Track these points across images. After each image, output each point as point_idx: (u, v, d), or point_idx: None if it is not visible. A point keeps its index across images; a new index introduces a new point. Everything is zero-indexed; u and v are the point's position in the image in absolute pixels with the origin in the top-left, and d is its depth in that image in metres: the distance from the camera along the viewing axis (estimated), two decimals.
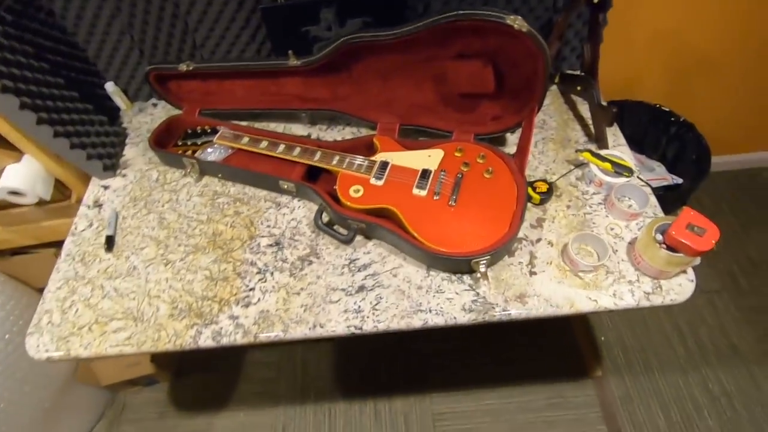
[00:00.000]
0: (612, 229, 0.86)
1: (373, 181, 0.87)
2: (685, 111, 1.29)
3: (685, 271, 0.79)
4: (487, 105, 0.90)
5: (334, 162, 0.90)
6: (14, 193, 0.98)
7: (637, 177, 0.88)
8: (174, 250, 0.91)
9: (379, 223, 0.82)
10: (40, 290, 1.34)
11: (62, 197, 1.10)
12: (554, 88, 1.10)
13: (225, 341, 0.79)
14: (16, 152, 0.97)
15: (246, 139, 0.96)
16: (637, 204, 0.88)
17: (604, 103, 0.93)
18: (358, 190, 0.86)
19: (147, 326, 0.82)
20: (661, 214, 0.87)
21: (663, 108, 1.30)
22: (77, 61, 1.06)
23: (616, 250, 0.83)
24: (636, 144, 1.39)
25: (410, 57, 0.83)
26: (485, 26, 0.69)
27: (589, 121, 1.02)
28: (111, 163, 1.04)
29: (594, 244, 0.83)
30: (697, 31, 1.20)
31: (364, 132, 1.07)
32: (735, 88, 1.36)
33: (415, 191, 0.84)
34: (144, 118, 1.18)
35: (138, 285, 0.87)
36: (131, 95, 1.20)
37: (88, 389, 1.36)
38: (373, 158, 0.90)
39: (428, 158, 0.89)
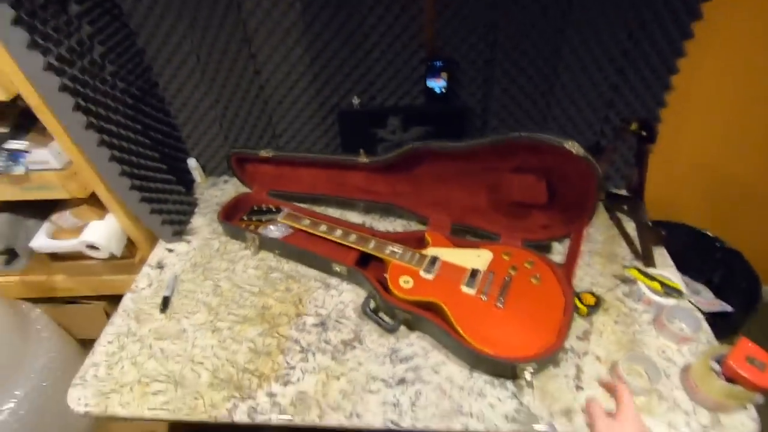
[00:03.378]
0: (663, 351, 0.83)
1: (423, 273, 0.90)
2: (730, 238, 1.30)
3: (745, 407, 0.74)
4: (537, 214, 0.95)
5: (387, 252, 0.95)
6: (91, 246, 1.07)
7: (688, 300, 0.88)
8: (223, 318, 0.95)
9: (426, 316, 0.84)
10: (81, 341, 1.39)
11: (129, 255, 1.18)
12: (599, 204, 1.16)
13: (260, 419, 0.78)
14: (102, 211, 1.09)
15: (307, 222, 1.04)
16: (688, 327, 0.86)
17: (652, 226, 0.97)
18: (408, 281, 0.89)
19: (186, 393, 0.82)
20: (714, 341, 0.84)
21: (707, 233, 1.32)
22: (172, 139, 1.21)
23: (669, 375, 0.80)
24: (681, 266, 1.38)
25: (470, 166, 0.92)
26: (544, 147, 0.77)
27: (635, 239, 1.04)
28: (180, 230, 1.14)
29: (645, 365, 0.80)
30: (737, 163, 1.26)
31: (414, 226, 1.13)
32: None
33: (464, 288, 0.87)
34: (215, 192, 1.30)
35: (184, 349, 0.90)
36: (208, 171, 1.33)
37: None
38: (424, 252, 0.95)
39: (477, 258, 0.93)
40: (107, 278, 1.20)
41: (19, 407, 1.03)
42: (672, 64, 0.98)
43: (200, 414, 0.80)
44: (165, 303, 0.98)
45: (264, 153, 1.10)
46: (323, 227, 1.02)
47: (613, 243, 1.06)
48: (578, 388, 0.79)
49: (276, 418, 0.78)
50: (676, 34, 0.93)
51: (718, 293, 1.30)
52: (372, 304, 0.92)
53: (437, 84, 1.06)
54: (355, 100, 1.10)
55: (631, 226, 1.08)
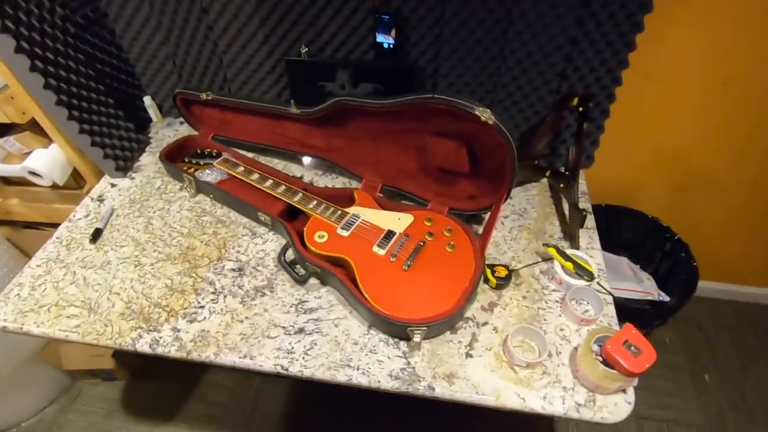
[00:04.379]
0: (561, 330, 0.84)
1: (339, 230, 0.91)
2: (682, 228, 1.27)
3: (624, 391, 0.75)
4: (464, 183, 0.93)
5: (311, 206, 0.95)
6: (34, 173, 1.09)
7: (598, 283, 0.87)
8: (149, 254, 0.98)
9: (332, 271, 0.85)
10: None
11: (76, 186, 1.21)
12: (545, 180, 1.13)
13: (160, 350, 0.82)
14: (46, 139, 1.10)
15: (241, 168, 1.04)
16: (593, 310, 0.86)
17: (584, 206, 0.95)
18: (322, 236, 0.90)
19: (97, 319, 0.86)
20: (615, 326, 0.84)
21: (660, 222, 1.29)
22: (123, 74, 1.20)
23: (560, 353, 0.81)
24: (632, 253, 1.37)
25: (394, 126, 0.90)
26: (458, 112, 0.75)
27: (568, 219, 1.03)
28: (123, 165, 1.15)
29: (538, 340, 0.81)
30: (696, 149, 1.21)
31: (355, 185, 1.12)
32: (737, 212, 1.34)
33: (375, 249, 0.87)
34: (168, 132, 1.30)
35: (105, 279, 0.93)
36: (164, 111, 1.33)
37: (49, 370, 1.41)
38: (346, 209, 0.95)
39: (397, 221, 0.93)
40: (57, 206, 1.23)
41: None
42: (629, 39, 0.92)
43: (106, 340, 0.84)
44: (96, 234, 1.01)
45: (204, 95, 1.08)
46: (255, 176, 1.02)
47: (546, 220, 1.04)
48: (468, 355, 0.80)
49: (174, 352, 0.82)
50: (634, 6, 0.87)
51: (663, 284, 1.29)
52: (290, 256, 0.93)
53: (386, 39, 1.02)
54: (303, 49, 1.07)
55: (567, 208, 1.06)
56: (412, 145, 0.92)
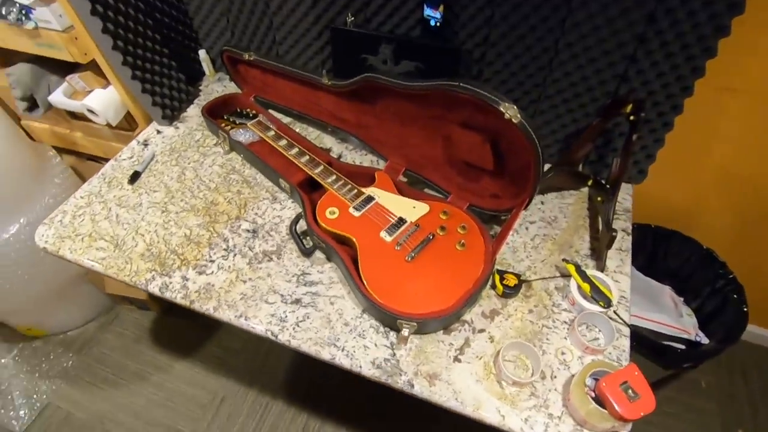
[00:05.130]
0: (563, 353, 0.78)
1: (351, 209, 0.90)
2: (741, 266, 1.12)
3: None
4: (488, 180, 0.88)
5: (329, 180, 0.95)
6: (91, 111, 1.18)
7: (615, 312, 0.79)
8: (176, 202, 1.03)
9: (336, 249, 0.85)
10: None
11: (129, 128, 1.29)
12: (586, 189, 1.04)
13: (168, 295, 0.87)
14: (104, 80, 1.17)
15: (272, 133, 1.05)
16: (604, 340, 0.80)
17: (622, 225, 0.86)
18: (333, 212, 0.89)
19: (121, 255, 0.93)
20: (624, 362, 0.77)
21: (716, 255, 1.14)
22: (181, 26, 1.24)
23: (555, 377, 0.76)
24: (677, 283, 1.23)
25: (422, 111, 0.85)
26: (484, 104, 0.69)
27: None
28: (170, 114, 1.20)
29: (533, 359, 0.77)
30: None
31: (381, 164, 1.10)
32: None
33: (382, 234, 0.85)
34: (218, 87, 1.34)
35: (134, 219, 1.00)
36: (217, 66, 1.37)
37: (94, 291, 1.56)
38: (363, 189, 0.93)
39: (412, 209, 0.90)
40: (112, 144, 1.33)
41: (20, 232, 1.23)
42: (710, 44, 0.80)
43: (124, 276, 0.90)
44: (134, 176, 1.07)
45: (247, 55, 1.09)
46: (283, 142, 1.03)
47: (575, 234, 0.96)
48: (456, 359, 0.78)
49: (179, 299, 0.87)
50: (721, 5, 0.74)
51: (705, 324, 1.16)
52: (302, 227, 0.94)
53: (433, 14, 0.96)
54: (349, 18, 1.04)
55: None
56: (439, 133, 0.88)
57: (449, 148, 0.88)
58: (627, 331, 0.80)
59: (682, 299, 1.23)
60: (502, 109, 0.65)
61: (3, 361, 1.48)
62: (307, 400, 1.43)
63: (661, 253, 1.21)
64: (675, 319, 1.16)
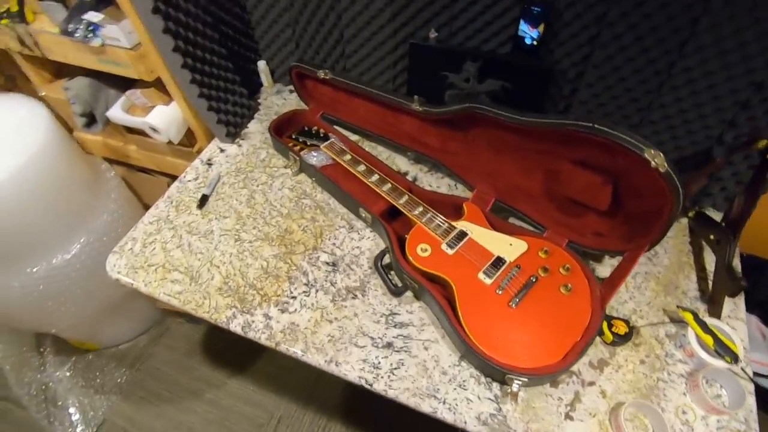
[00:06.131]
0: (684, 413, 0.72)
1: (444, 246, 0.84)
2: None
3: None
4: (593, 217, 0.81)
5: (416, 212, 0.89)
6: (153, 129, 1.13)
7: (741, 369, 0.73)
8: (248, 230, 0.98)
9: (431, 290, 0.80)
10: (146, 205, 1.56)
11: (188, 144, 1.24)
12: (684, 220, 0.96)
13: (251, 335, 0.83)
14: (168, 97, 1.12)
15: (348, 157, 1.00)
16: (729, 398, 0.74)
17: (738, 271, 0.79)
18: (425, 250, 0.84)
19: (198, 289, 0.89)
20: (754, 422, 0.71)
21: None
22: (243, 37, 1.18)
23: None
24: (765, 314, 1.16)
25: (526, 144, 0.79)
26: (618, 147, 0.63)
27: (710, 275, 0.87)
28: (234, 131, 1.15)
29: (655, 421, 0.71)
30: None
31: (460, 189, 1.04)
32: None
33: (481, 276, 0.80)
34: (278, 100, 1.29)
35: (207, 248, 0.95)
36: (276, 77, 1.31)
37: (146, 305, 1.54)
38: (454, 223, 0.87)
39: (509, 246, 0.84)
40: (168, 159, 1.29)
41: (81, 252, 1.20)
42: None
43: (203, 312, 0.86)
44: (203, 201, 1.03)
45: (322, 73, 1.03)
46: (362, 167, 0.97)
47: (680, 272, 0.89)
48: (567, 417, 0.73)
49: (264, 339, 0.82)
50: None
51: None
52: (386, 260, 0.89)
53: (530, 33, 0.89)
54: (432, 33, 0.97)
55: (711, 259, 0.90)
56: (541, 166, 0.81)
57: (552, 184, 0.82)
58: (751, 387, 0.74)
59: None
60: (647, 156, 0.59)
61: (58, 374, 1.47)
62: (365, 422, 1.40)
63: (750, 286, 1.13)
64: (766, 354, 1.09)
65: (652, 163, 0.59)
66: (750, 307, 1.20)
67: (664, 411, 0.73)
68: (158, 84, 1.09)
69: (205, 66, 1.04)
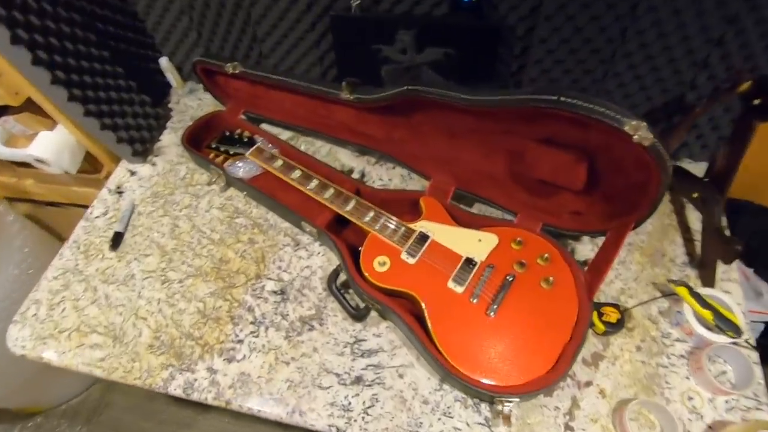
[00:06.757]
0: (690, 399, 0.66)
1: (404, 256, 0.72)
2: None
3: None
4: (568, 196, 0.71)
5: (367, 219, 0.76)
6: (39, 161, 0.94)
7: (746, 341, 0.66)
8: (176, 266, 0.83)
9: (396, 310, 0.68)
10: (62, 240, 1.35)
11: (93, 170, 1.05)
12: None
13: (195, 396, 0.70)
14: (50, 120, 0.92)
15: (279, 163, 0.84)
16: (735, 373, 0.67)
17: (728, 232, 0.71)
18: (383, 263, 0.72)
19: (124, 351, 0.74)
20: (764, 397, 0.65)
21: None
22: (132, 32, 0.98)
23: (689, 431, 0.63)
24: (747, 255, 1.12)
25: (483, 125, 0.67)
26: (593, 122, 0.51)
27: (696, 236, 0.80)
28: (142, 149, 0.97)
29: (660, 414, 0.64)
30: None
31: (415, 179, 0.91)
32: None
33: (451, 284, 0.69)
34: (192, 102, 1.10)
35: (129, 298, 0.80)
36: (186, 74, 1.11)
37: None
38: (413, 225, 0.75)
39: (478, 243, 0.73)
40: (76, 189, 1.09)
41: None
42: None
43: (134, 379, 0.72)
44: (116, 239, 0.86)
45: (230, 67, 0.86)
46: (296, 173, 0.82)
47: (665, 237, 0.81)
48: (567, 428, 0.64)
49: (211, 399, 0.70)
50: None
51: None
52: (341, 278, 0.76)
53: None
54: (354, 1, 0.81)
55: (695, 218, 0.82)
56: (503, 147, 0.69)
57: (518, 166, 0.70)
58: (757, 356, 0.68)
59: (751, 270, 1.12)
60: (628, 130, 0.47)
61: None
62: None
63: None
64: (753, 300, 1.05)
65: (635, 136, 0.48)
66: None
67: (669, 402, 0.65)
68: (32, 106, 0.89)
69: (84, 77, 0.84)
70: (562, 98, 0.50)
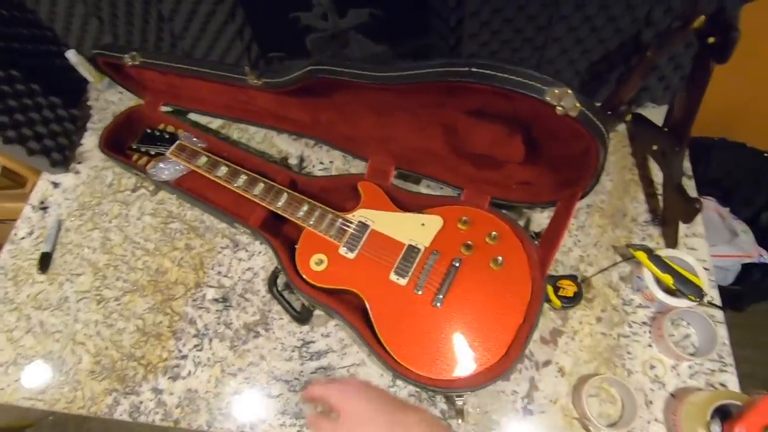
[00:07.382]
0: (653, 367, 0.63)
1: (342, 250, 0.66)
2: None
3: None
4: (514, 167, 0.64)
5: (300, 214, 0.70)
6: None
7: (708, 302, 0.62)
8: (111, 284, 0.78)
9: (338, 310, 0.64)
10: None
11: (15, 185, 0.97)
12: (622, 127, 0.81)
13: (142, 419, 0.67)
14: None
15: (203, 160, 0.77)
16: (699, 336, 0.64)
17: (692, 193, 0.65)
18: (320, 262, 0.66)
19: (65, 380, 0.71)
20: (728, 356, 0.62)
21: None
22: (24, 27, 0.87)
23: (651, 402, 0.61)
24: (722, 193, 1.07)
25: (406, 101, 0.59)
26: (513, 93, 0.44)
27: (659, 189, 0.74)
28: (61, 158, 0.89)
29: (620, 390, 0.61)
30: None
31: (357, 164, 0.83)
32: None
33: (393, 277, 0.64)
34: (113, 96, 1.00)
35: (65, 323, 0.75)
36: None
37: None
38: (350, 215, 0.69)
39: (421, 228, 0.67)
40: (2, 206, 1.02)
41: None
42: None
43: (78, 408, 0.69)
44: (44, 261, 0.80)
45: (129, 59, 0.76)
46: (222, 170, 0.75)
47: (626, 194, 0.75)
48: (527, 411, 0.62)
49: (159, 420, 0.67)
50: None
51: (764, 239, 1.02)
52: (282, 278, 0.71)
53: None
54: None
55: (658, 169, 0.76)
56: (437, 121, 0.62)
57: (455, 140, 0.63)
58: (721, 315, 0.64)
59: (727, 209, 1.08)
60: (550, 100, 0.40)
61: None
62: None
63: (702, 168, 1.03)
64: (727, 242, 1.01)
65: (558, 107, 0.40)
66: (705, 188, 1.11)
67: (631, 373, 0.62)
68: None
69: None
70: (474, 69, 0.42)
